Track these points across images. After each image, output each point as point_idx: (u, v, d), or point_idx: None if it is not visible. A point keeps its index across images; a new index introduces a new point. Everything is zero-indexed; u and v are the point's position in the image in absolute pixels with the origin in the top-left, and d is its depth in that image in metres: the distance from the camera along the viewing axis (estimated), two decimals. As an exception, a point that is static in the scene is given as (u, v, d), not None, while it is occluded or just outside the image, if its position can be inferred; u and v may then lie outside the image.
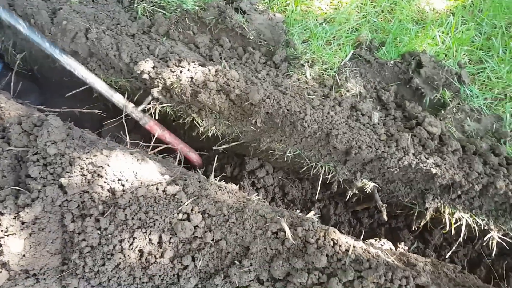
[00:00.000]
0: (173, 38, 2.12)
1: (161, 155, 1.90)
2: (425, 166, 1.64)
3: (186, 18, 2.14)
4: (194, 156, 2.12)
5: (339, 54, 2.01)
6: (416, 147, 1.71)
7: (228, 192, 1.64)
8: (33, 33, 1.81)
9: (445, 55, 1.98)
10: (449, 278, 1.42)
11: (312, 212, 1.91)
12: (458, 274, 1.45)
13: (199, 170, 1.89)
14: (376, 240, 1.96)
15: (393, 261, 1.37)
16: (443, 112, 1.87)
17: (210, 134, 2.03)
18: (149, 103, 1.96)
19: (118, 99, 1.93)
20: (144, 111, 1.97)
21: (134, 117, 1.96)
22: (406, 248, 1.97)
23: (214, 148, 2.02)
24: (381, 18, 2.11)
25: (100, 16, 2.08)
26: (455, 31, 2.01)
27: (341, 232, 1.89)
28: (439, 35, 1.99)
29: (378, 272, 1.26)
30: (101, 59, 1.98)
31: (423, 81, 1.90)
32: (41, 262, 1.45)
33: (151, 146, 1.92)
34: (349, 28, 2.08)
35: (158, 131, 1.99)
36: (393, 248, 1.88)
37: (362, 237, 1.90)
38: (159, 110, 1.99)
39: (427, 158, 1.65)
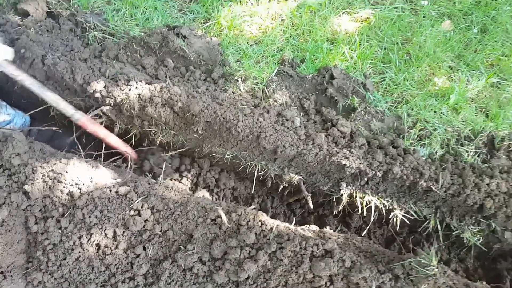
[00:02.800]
0: (122, 61, 2.31)
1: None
2: (336, 159, 1.92)
3: (133, 43, 2.34)
4: (130, 151, 2.19)
5: (267, 70, 2.28)
6: (330, 144, 2.00)
7: (174, 191, 1.84)
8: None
9: (354, 68, 2.30)
10: (356, 246, 1.69)
11: (253, 206, 2.14)
12: (364, 243, 1.73)
13: (132, 165, 1.99)
14: (306, 226, 2.21)
15: (309, 235, 1.62)
16: (353, 115, 2.18)
17: (158, 143, 2.23)
18: (97, 114, 2.11)
19: (50, 96, 1.96)
20: (94, 117, 2.13)
21: (66, 113, 1.99)
22: (331, 231, 2.23)
23: (162, 154, 2.21)
24: (301, 39, 2.41)
25: (55, 44, 2.24)
26: (360, 47, 2.35)
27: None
28: (347, 52, 2.32)
29: (294, 242, 1.50)
30: (57, 81, 2.13)
31: (336, 90, 2.21)
32: (8, 261, 1.57)
33: (103, 156, 2.08)
34: (274, 49, 2.37)
35: (90, 127, 2.02)
36: (317, 227, 2.13)
37: (294, 224, 2.15)
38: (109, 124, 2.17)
39: (337, 152, 1.94)
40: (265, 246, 1.54)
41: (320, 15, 2.50)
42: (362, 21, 2.51)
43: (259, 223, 1.62)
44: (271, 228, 1.60)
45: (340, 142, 2.00)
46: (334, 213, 2.29)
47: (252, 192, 2.23)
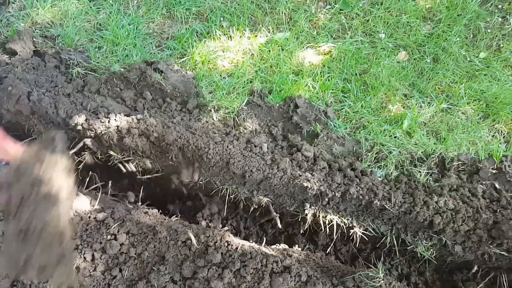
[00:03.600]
0: (103, 94, 2.46)
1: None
2: (299, 181, 2.08)
3: (114, 78, 2.50)
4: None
5: (237, 101, 2.46)
6: (294, 168, 2.16)
7: (150, 216, 1.97)
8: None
9: (316, 98, 2.49)
10: (315, 262, 1.83)
11: (225, 228, 2.28)
12: (323, 259, 1.87)
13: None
14: (276, 245, 2.34)
15: (271, 253, 1.76)
16: (316, 140, 2.35)
17: (135, 169, 2.36)
18: (80, 148, 2.26)
19: None
20: (76, 154, 2.26)
21: None
22: (300, 249, 2.37)
23: (138, 178, 2.34)
24: (269, 72, 2.60)
25: (40, 80, 2.38)
26: (322, 79, 2.55)
27: (249, 241, 2.27)
28: (310, 83, 2.51)
29: (256, 260, 1.64)
30: (42, 115, 2.27)
31: (300, 118, 2.39)
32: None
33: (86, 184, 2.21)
34: (245, 81, 2.55)
35: None
36: (287, 247, 2.27)
37: (264, 243, 2.28)
38: (91, 156, 2.31)
39: (300, 176, 2.10)
40: (230, 264, 1.67)
41: (286, 49, 2.70)
42: (324, 54, 2.72)
43: (226, 243, 1.75)
44: (236, 248, 1.73)
45: (303, 166, 2.16)
46: (302, 232, 2.43)
47: (225, 214, 2.36)
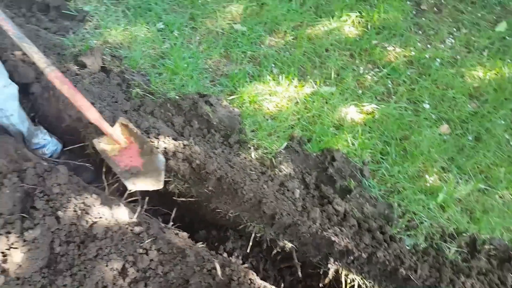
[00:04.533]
0: (156, 116, 2.70)
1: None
2: (327, 234, 2.18)
3: (168, 103, 2.75)
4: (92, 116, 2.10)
5: (277, 143, 2.63)
6: (324, 219, 2.26)
7: (179, 238, 2.11)
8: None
9: (354, 154, 2.63)
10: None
11: (246, 265, 2.38)
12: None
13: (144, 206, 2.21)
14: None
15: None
16: (348, 196, 2.46)
17: (170, 189, 2.53)
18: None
19: (26, 46, 1.95)
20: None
21: (39, 65, 1.98)
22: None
23: (173, 198, 2.50)
24: (310, 121, 2.78)
25: (103, 94, 2.66)
26: (362, 137, 2.69)
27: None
28: (350, 139, 2.66)
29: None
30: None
31: (335, 171, 2.52)
32: (30, 271, 1.83)
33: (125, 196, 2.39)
34: (286, 126, 2.73)
35: (58, 84, 2.00)
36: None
37: (281, 288, 2.35)
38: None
39: (329, 229, 2.20)
40: (250, 302, 1.76)
41: (330, 102, 2.89)
42: (367, 114, 2.88)
43: (249, 281, 1.85)
44: (259, 287, 1.83)
45: (333, 219, 2.26)
46: (321, 286, 2.48)
47: (248, 251, 2.46)
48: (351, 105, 2.90)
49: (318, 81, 2.97)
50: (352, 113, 2.85)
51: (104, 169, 2.49)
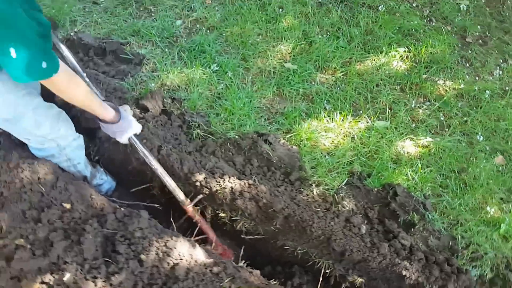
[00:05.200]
0: (217, 156, 2.87)
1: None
2: (398, 269, 2.25)
3: (228, 143, 2.92)
4: (211, 235, 2.64)
5: (337, 179, 2.75)
6: (392, 254, 2.34)
7: (254, 276, 2.22)
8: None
9: (415, 188, 2.72)
10: None
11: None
12: None
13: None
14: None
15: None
16: (412, 230, 2.53)
17: (238, 228, 2.66)
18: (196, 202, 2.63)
19: (169, 181, 2.41)
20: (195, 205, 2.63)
21: (178, 198, 2.45)
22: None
23: (242, 236, 2.63)
24: (369, 157, 2.90)
25: (167, 136, 2.86)
26: (421, 171, 2.78)
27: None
28: (410, 173, 2.76)
29: None
30: (167, 168, 2.70)
31: (398, 205, 2.61)
32: (117, 314, 1.96)
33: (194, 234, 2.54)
34: (345, 162, 2.85)
35: (192, 213, 2.52)
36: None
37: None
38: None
39: (399, 263, 2.27)
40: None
41: (386, 137, 3.01)
42: (423, 147, 2.98)
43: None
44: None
45: (401, 254, 2.34)
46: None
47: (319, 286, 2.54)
48: (407, 139, 3.00)
49: (372, 116, 3.10)
50: (408, 147, 2.95)
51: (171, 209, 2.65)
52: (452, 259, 2.38)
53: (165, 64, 3.44)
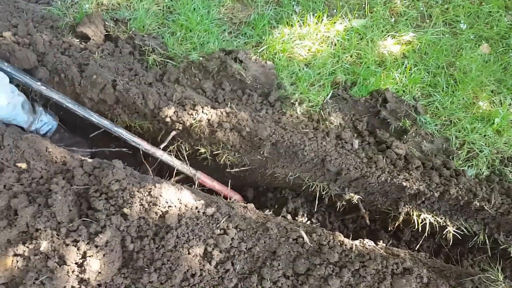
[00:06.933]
0: (182, 84, 2.62)
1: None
2: (398, 181, 2.28)
3: (192, 67, 2.66)
4: (237, 198, 2.64)
5: (321, 93, 2.63)
6: (389, 166, 2.35)
7: (249, 210, 2.17)
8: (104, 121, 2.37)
9: (403, 91, 2.67)
10: (423, 262, 2.05)
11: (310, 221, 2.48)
12: (428, 260, 2.08)
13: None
14: (360, 240, 2.56)
15: (384, 252, 1.97)
16: (405, 137, 2.54)
17: (221, 162, 2.56)
18: (169, 141, 2.45)
19: (175, 162, 2.45)
20: (166, 147, 2.46)
21: (188, 174, 2.47)
22: (384, 245, 2.58)
23: (228, 170, 2.54)
24: (351, 63, 2.77)
25: (120, 68, 2.54)
26: (409, 72, 2.71)
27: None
28: (397, 76, 2.68)
29: (376, 261, 1.85)
30: (127, 105, 2.44)
31: (389, 113, 2.57)
32: (110, 276, 1.88)
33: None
34: (326, 72, 2.71)
35: (208, 182, 2.52)
36: (373, 243, 2.49)
37: (350, 239, 2.49)
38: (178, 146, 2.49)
39: (398, 175, 2.29)
40: (348, 264, 1.88)
41: (367, 38, 2.86)
42: (406, 44, 2.88)
43: (339, 243, 1.96)
44: (351, 248, 1.94)
45: (398, 164, 2.35)
46: (386, 228, 2.65)
47: (315, 209, 2.57)
48: (388, 36, 2.87)
49: (348, 15, 2.90)
50: (391, 46, 2.84)
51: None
52: (449, 161, 2.44)
53: (96, -23, 2.95)
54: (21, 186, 1.99)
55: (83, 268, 1.81)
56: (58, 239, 1.87)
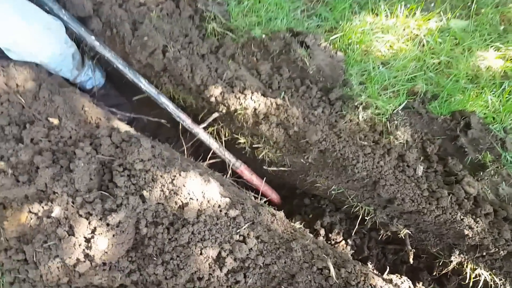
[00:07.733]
0: (238, 62, 2.43)
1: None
2: (459, 227, 1.97)
3: (252, 44, 2.44)
4: (275, 197, 2.50)
5: (393, 101, 2.32)
6: (453, 206, 2.03)
7: (277, 220, 2.00)
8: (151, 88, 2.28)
9: (493, 119, 2.27)
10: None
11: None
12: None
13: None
14: (397, 276, 2.30)
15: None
16: (481, 173, 2.18)
17: (260, 157, 2.38)
18: (209, 123, 2.31)
19: (215, 145, 2.33)
20: (205, 128, 2.32)
21: (227, 161, 2.34)
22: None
23: (264, 167, 2.37)
24: (438, 72, 2.40)
25: (175, 32, 2.39)
26: (506, 97, 2.30)
27: (367, 264, 2.26)
28: (490, 99, 2.28)
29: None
30: (173, 76, 2.31)
31: (469, 141, 2.21)
32: (117, 257, 1.82)
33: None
34: (405, 77, 2.37)
35: (247, 175, 2.39)
36: (412, 286, 2.22)
37: (386, 272, 2.25)
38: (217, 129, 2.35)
39: (461, 219, 1.98)
40: (374, 314, 1.66)
41: (464, 44, 2.45)
42: (511, 61, 2.44)
43: (369, 286, 1.73)
44: (382, 294, 1.71)
45: (464, 206, 2.03)
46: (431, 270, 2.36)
47: (353, 233, 2.34)
48: (491, 47, 2.45)
49: (448, 12, 2.50)
50: (492, 60, 2.41)
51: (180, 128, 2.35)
52: (529, 215, 2.07)
53: None
54: (48, 143, 1.95)
55: (89, 244, 1.76)
56: (73, 207, 1.82)
